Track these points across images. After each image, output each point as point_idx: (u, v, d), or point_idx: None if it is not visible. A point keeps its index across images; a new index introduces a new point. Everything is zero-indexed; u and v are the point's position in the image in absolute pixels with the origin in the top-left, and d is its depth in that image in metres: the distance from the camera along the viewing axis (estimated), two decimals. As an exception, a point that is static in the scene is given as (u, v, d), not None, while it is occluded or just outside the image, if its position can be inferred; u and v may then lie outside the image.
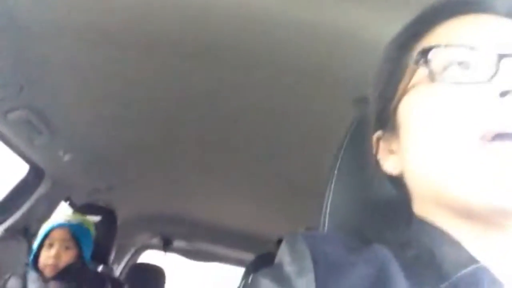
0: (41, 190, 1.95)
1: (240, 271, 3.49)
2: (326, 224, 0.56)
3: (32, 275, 1.68)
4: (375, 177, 0.49)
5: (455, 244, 0.39)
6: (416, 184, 0.42)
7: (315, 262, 0.39)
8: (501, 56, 0.37)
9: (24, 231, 1.91)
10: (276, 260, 0.44)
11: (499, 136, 0.35)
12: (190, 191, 2.30)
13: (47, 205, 1.95)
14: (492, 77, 0.37)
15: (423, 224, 0.42)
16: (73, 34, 1.17)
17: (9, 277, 1.72)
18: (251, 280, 0.44)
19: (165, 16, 1.05)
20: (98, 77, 1.35)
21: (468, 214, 0.38)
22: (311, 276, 0.38)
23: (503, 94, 0.36)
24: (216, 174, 1.99)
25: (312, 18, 0.94)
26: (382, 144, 0.48)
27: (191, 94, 1.37)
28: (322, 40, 1.01)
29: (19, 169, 1.93)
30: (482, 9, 0.43)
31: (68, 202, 2.08)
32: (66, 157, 1.87)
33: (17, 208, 1.93)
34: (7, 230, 1.91)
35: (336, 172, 0.58)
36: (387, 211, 0.50)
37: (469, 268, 0.37)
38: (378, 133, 0.48)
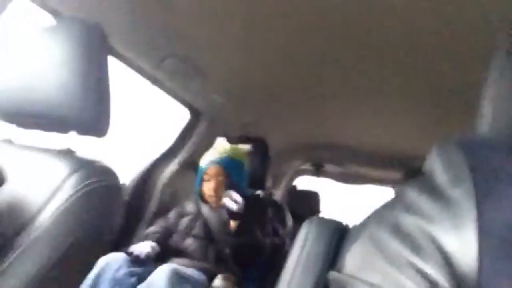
0: (200, 129, 2.22)
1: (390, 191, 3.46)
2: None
3: (201, 203, 1.96)
4: None
5: None
6: None
7: (472, 169, 0.34)
8: None
9: (193, 164, 2.21)
10: (425, 170, 0.39)
11: None
12: (337, 116, 2.31)
13: (207, 141, 2.20)
14: None
15: None
16: None
17: (186, 202, 2.04)
18: (396, 194, 0.40)
19: None
20: (240, 23, 1.38)
21: None
22: (468, 185, 0.33)
23: None
24: (361, 98, 1.95)
25: None
26: None
27: (339, 26, 1.32)
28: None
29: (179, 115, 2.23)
30: None
31: (224, 137, 2.30)
32: (219, 99, 2.06)
33: (185, 145, 2.25)
34: (180, 164, 2.26)
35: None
36: None
37: None
38: None
